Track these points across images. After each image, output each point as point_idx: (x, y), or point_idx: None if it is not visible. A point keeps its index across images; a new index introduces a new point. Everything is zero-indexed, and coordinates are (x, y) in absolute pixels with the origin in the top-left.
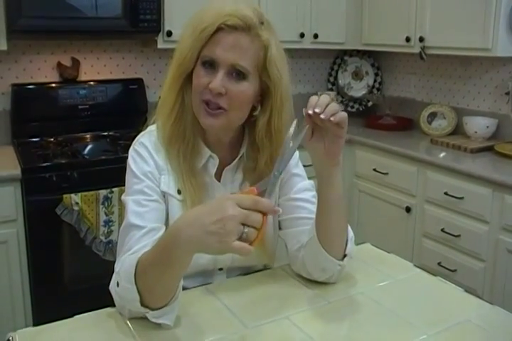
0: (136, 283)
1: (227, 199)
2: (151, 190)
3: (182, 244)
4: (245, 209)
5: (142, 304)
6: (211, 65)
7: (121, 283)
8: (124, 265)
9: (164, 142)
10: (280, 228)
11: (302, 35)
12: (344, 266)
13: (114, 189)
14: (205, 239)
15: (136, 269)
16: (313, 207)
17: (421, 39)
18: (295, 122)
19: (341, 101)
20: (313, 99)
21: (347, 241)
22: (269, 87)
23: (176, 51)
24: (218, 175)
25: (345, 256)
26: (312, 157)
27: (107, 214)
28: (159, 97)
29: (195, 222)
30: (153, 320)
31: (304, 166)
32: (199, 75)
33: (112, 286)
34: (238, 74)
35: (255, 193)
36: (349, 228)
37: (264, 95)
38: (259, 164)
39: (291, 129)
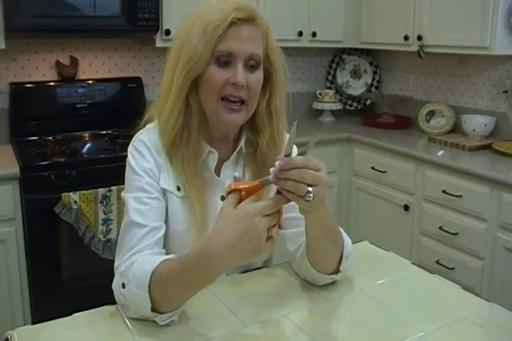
0: (149, 291)
1: (253, 216)
2: (151, 187)
3: (220, 268)
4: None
5: (152, 310)
6: (226, 61)
7: (131, 287)
8: (135, 270)
9: (167, 144)
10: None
11: (300, 34)
12: (337, 278)
13: (112, 187)
14: (245, 258)
15: (151, 279)
16: None
17: (419, 37)
18: (296, 123)
19: (340, 100)
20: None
21: (342, 258)
22: (269, 71)
23: (183, 55)
24: (218, 170)
25: (339, 271)
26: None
27: (105, 213)
28: (157, 96)
29: (233, 248)
30: (161, 323)
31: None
32: (215, 74)
33: (116, 287)
34: (253, 64)
35: (261, 187)
36: (347, 244)
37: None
38: (260, 147)
39: (294, 129)
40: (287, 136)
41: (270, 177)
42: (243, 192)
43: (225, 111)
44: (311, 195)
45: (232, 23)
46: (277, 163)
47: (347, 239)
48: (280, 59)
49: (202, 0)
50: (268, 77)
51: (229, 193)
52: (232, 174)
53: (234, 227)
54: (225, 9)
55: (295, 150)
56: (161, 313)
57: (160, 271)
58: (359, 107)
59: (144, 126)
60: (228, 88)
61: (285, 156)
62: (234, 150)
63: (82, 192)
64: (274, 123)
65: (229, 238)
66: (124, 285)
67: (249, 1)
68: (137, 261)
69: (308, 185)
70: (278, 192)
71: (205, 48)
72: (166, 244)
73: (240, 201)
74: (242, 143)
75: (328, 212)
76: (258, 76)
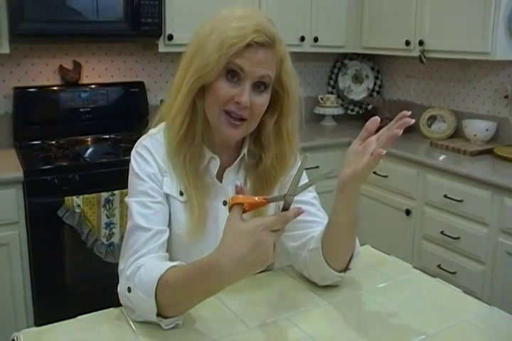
0: (156, 297)
1: (263, 231)
2: (154, 192)
3: (228, 281)
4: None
5: (157, 315)
6: (234, 77)
7: (137, 292)
8: (141, 276)
9: (171, 147)
10: None
11: (302, 39)
12: (345, 277)
13: (115, 191)
14: (253, 271)
15: (158, 285)
16: (314, 209)
17: (420, 42)
18: (308, 155)
19: (341, 105)
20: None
21: (352, 255)
22: (279, 93)
23: (196, 62)
24: (220, 176)
25: (348, 269)
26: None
27: (108, 217)
28: (160, 101)
29: (242, 263)
30: (166, 327)
31: (306, 169)
32: (222, 87)
33: (122, 290)
34: (261, 86)
35: (265, 204)
36: (357, 243)
37: (271, 100)
38: (263, 162)
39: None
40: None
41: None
42: (246, 206)
43: (226, 124)
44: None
45: (249, 45)
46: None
47: (356, 239)
48: (294, 83)
49: (205, 6)
50: (278, 99)
51: (232, 205)
52: (234, 180)
53: (243, 242)
54: (246, 28)
55: (304, 176)
56: (166, 318)
57: (167, 278)
58: (360, 112)
59: (155, 125)
60: (232, 105)
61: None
62: (236, 158)
63: (85, 196)
64: (284, 144)
65: (238, 252)
66: (130, 290)
67: (270, 23)
68: (143, 266)
69: None
70: (284, 209)
71: (218, 61)
72: (169, 247)
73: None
74: (244, 151)
75: (358, 203)
76: (264, 98)
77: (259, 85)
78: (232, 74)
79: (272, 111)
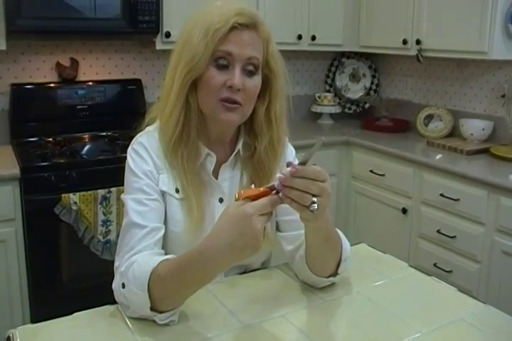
0: (149, 291)
1: (252, 215)
2: (150, 189)
3: (218, 267)
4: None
5: (151, 309)
6: (224, 64)
7: (130, 287)
8: (134, 270)
9: (168, 147)
10: (276, 229)
11: (300, 37)
12: (335, 280)
13: (112, 189)
14: (243, 256)
15: (150, 278)
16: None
17: (418, 42)
18: (322, 139)
19: (339, 103)
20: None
21: (340, 261)
22: (269, 77)
23: (184, 56)
24: (215, 173)
25: (337, 274)
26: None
27: (105, 214)
28: (157, 98)
29: (231, 247)
30: (160, 322)
31: None
32: (213, 75)
33: (116, 287)
34: (251, 69)
35: (269, 193)
36: (346, 247)
37: (262, 85)
38: (257, 151)
39: (318, 144)
40: (288, 143)
41: (276, 183)
42: (253, 199)
43: (223, 110)
44: (316, 205)
45: (233, 28)
46: (288, 169)
47: (346, 242)
48: (280, 65)
49: (203, 3)
50: (268, 84)
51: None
52: (230, 175)
53: (232, 227)
54: (227, 13)
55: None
56: (161, 312)
57: (159, 270)
58: (358, 110)
59: (146, 127)
60: (225, 91)
61: (299, 164)
62: (231, 153)
63: (82, 193)
64: (273, 129)
65: (227, 238)
66: (124, 285)
67: (252, 7)
68: (137, 261)
69: (313, 195)
70: (275, 192)
71: (206, 49)
72: (165, 245)
73: None
74: (239, 146)
75: (328, 221)
76: (255, 81)
77: (249, 68)
78: (221, 61)
79: (263, 96)
